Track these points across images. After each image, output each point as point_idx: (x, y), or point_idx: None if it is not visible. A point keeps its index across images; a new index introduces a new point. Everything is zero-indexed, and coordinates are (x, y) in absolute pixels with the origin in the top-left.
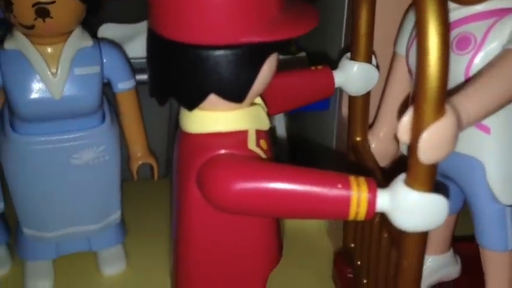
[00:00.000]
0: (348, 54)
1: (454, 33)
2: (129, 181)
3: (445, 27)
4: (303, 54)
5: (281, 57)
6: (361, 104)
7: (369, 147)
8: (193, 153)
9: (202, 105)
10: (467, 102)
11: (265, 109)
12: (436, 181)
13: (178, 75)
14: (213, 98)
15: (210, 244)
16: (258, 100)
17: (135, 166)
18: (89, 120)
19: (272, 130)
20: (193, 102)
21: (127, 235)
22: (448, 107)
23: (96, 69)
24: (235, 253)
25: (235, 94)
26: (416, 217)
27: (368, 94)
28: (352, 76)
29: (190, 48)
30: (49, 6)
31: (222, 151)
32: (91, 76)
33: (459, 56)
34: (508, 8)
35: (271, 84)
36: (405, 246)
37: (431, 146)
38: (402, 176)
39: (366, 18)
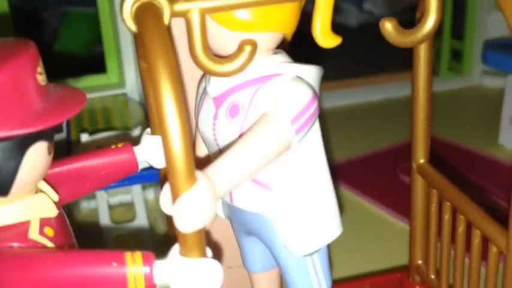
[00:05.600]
0: (148, 130)
1: (227, 101)
2: None
3: (181, 116)
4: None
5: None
6: None
7: None
8: None
9: None
10: (222, 169)
11: (54, 196)
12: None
13: None
14: None
15: None
16: (44, 187)
17: None
18: None
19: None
20: None
21: None
22: (200, 176)
23: None
24: None
25: None
26: (195, 283)
27: None
28: (154, 150)
29: None
30: None
31: (1, 245)
32: None
33: (232, 123)
34: (269, 75)
35: (63, 170)
36: None
37: (185, 214)
38: (177, 246)
39: None
